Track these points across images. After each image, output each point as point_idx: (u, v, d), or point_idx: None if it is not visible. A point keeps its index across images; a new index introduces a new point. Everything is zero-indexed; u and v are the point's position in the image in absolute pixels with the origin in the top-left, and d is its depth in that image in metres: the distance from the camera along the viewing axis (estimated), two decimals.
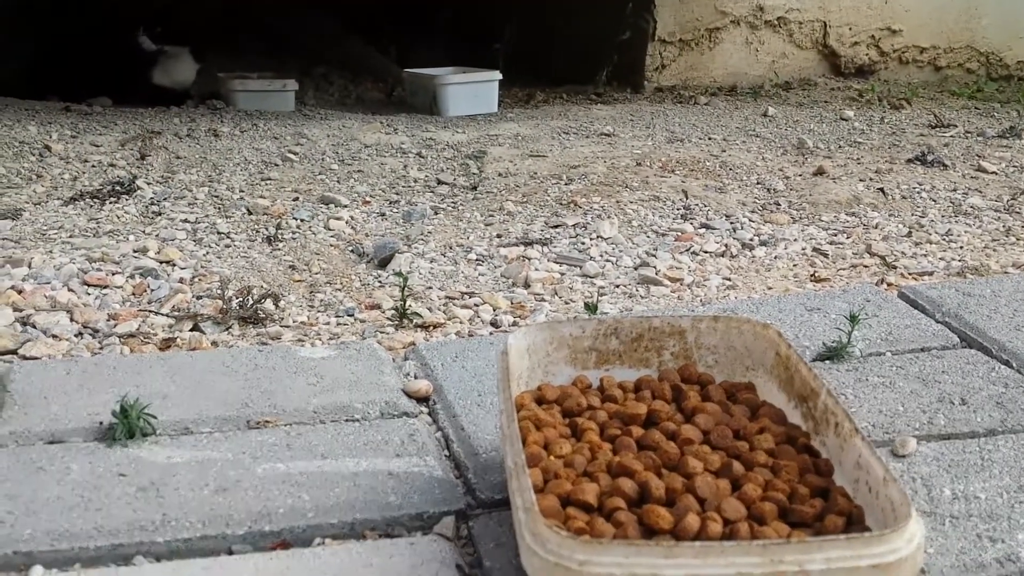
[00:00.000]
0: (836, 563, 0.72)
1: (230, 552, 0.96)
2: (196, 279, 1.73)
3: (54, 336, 1.46)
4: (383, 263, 1.86)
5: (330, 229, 2.05)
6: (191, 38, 3.12)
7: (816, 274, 1.82)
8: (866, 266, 1.88)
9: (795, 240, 2.03)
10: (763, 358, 1.06)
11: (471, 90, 3.25)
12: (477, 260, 1.90)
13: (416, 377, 1.32)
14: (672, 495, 0.86)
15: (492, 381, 1.28)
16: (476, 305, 1.66)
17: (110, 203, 2.14)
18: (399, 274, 1.63)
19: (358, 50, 3.72)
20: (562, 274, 1.83)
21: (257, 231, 2.01)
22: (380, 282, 1.78)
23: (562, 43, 4.14)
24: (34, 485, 1.02)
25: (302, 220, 2.10)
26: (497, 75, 3.31)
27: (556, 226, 2.09)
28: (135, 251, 1.85)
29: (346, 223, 2.09)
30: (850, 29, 4.12)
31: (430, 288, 1.74)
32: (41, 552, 0.92)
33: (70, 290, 1.63)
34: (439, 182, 2.44)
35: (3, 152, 2.42)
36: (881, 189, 2.39)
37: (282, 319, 1.58)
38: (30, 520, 0.96)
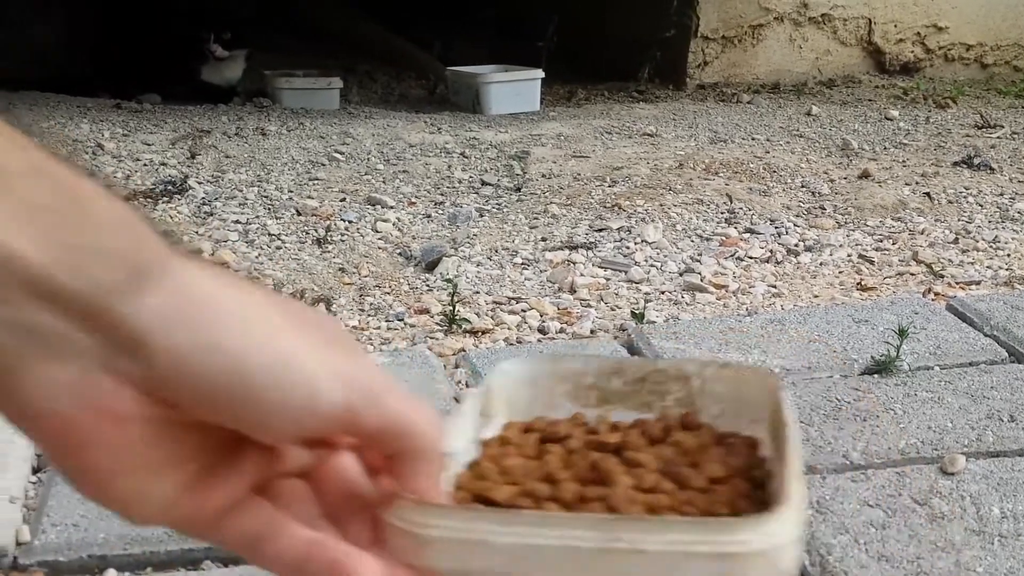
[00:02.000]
0: (675, 546, 0.70)
1: None
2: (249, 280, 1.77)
3: None
4: (430, 266, 1.89)
5: (377, 231, 2.09)
6: (242, 37, 3.17)
7: (862, 282, 1.82)
8: (912, 274, 1.87)
9: (840, 246, 2.03)
10: (766, 410, 1.05)
11: (513, 88, 3.26)
12: (523, 264, 1.92)
13: (468, 386, 1.34)
14: (584, 502, 0.84)
15: None
16: (523, 311, 1.69)
17: (163, 203, 2.19)
18: (449, 280, 1.66)
19: (401, 47, 3.75)
20: (607, 279, 1.84)
21: (307, 232, 2.05)
22: (428, 286, 1.81)
23: (603, 40, 4.14)
24: None
25: (350, 222, 2.13)
26: (539, 73, 3.32)
27: (600, 230, 2.11)
28: (189, 252, 1.89)
29: (393, 225, 2.12)
30: (895, 26, 4.08)
31: (477, 293, 1.76)
32: (115, 556, 0.96)
33: None
34: (483, 183, 2.47)
35: (57, 151, 2.48)
36: (927, 193, 2.38)
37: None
38: (103, 524, 1.00)
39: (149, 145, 2.57)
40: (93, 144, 2.53)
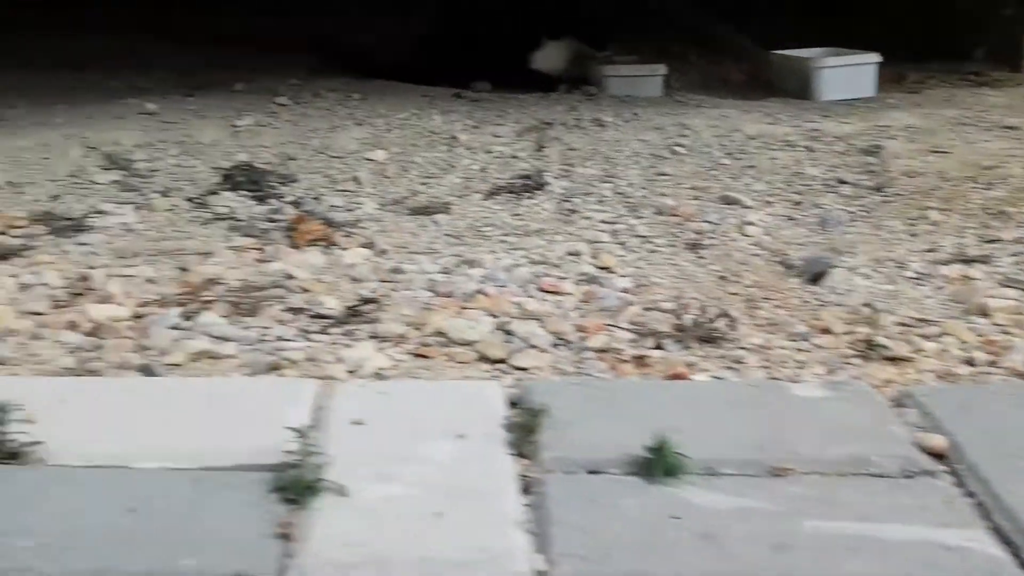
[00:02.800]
0: None
1: None
2: (638, 289, 1.77)
3: (533, 346, 1.54)
4: (815, 278, 1.82)
5: (747, 235, 2.03)
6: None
7: None
8: None
9: None
10: None
11: (847, 73, 3.10)
12: (915, 279, 1.81)
13: (924, 430, 1.27)
14: None
15: (1016, 441, 1.21)
16: (937, 336, 1.58)
17: (525, 198, 2.23)
18: (868, 305, 1.59)
19: (718, 30, 3.64)
20: (1019, 301, 1.70)
21: (675, 235, 2.03)
22: (819, 300, 1.73)
23: (926, 16, 3.86)
24: (594, 519, 1.08)
25: (715, 224, 2.08)
26: (876, 57, 3.13)
27: (991, 241, 1.96)
28: (569, 254, 1.91)
29: (761, 229, 2.06)
30: None
31: (877, 312, 1.67)
32: None
33: (529, 296, 1.71)
34: (839, 181, 2.35)
35: (416, 142, 2.59)
36: None
37: (737, 340, 1.58)
38: (606, 557, 1.01)
39: (498, 137, 2.63)
40: (448, 136, 2.62)
